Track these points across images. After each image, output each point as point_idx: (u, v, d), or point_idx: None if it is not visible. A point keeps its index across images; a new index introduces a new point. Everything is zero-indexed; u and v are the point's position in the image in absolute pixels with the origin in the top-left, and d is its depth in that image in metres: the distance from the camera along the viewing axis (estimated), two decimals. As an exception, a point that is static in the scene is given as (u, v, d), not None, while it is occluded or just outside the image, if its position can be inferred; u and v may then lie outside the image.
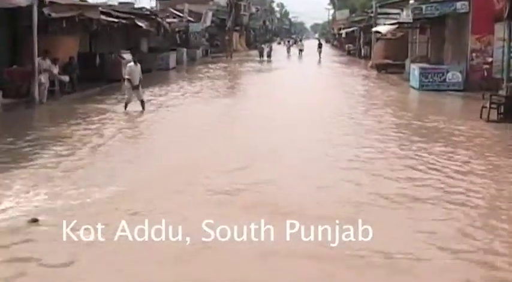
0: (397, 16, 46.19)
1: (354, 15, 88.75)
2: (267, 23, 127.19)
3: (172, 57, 43.59)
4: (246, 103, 25.17)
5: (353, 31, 72.04)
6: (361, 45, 65.20)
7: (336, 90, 30.32)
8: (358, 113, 21.85)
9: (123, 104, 21.03)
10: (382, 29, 38.05)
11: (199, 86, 31.30)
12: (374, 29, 42.39)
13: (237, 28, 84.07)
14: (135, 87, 20.79)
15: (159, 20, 41.01)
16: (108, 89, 27.94)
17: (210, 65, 48.22)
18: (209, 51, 61.92)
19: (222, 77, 37.84)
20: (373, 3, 57.49)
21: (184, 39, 55.01)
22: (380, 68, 42.98)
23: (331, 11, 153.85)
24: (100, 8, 29.44)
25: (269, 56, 59.15)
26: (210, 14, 63.67)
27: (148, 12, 41.79)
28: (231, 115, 21.62)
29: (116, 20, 31.64)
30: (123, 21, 32.98)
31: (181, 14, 54.16)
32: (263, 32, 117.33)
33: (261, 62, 56.21)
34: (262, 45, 62.84)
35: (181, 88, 30.14)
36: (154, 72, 38.39)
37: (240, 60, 57.40)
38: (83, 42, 31.48)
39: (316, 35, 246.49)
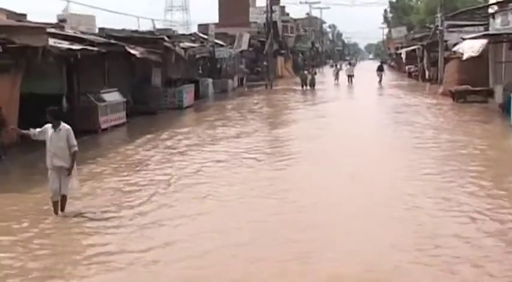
0: (474, 29, 36.32)
1: (412, 32, 79.20)
2: (317, 44, 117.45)
3: (189, 92, 34.19)
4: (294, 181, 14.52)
5: (414, 50, 61.91)
6: (425, 66, 55.04)
7: (408, 141, 20.33)
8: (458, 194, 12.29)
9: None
10: (468, 45, 27.62)
11: (215, 144, 20.51)
12: (456, 48, 31.34)
13: (282, 52, 74.64)
14: (59, 170, 11.40)
15: (168, 45, 31.83)
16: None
17: (241, 100, 38.57)
18: (244, 80, 52.32)
19: (252, 121, 27.71)
20: (439, 15, 47.72)
21: (210, 68, 45.84)
22: (457, 96, 32.99)
23: (386, 30, 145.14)
24: (52, 30, 20.68)
25: (312, 84, 48.75)
26: (246, 36, 54.36)
27: (151, 36, 32.81)
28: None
29: (89, 47, 22.62)
30: (105, 49, 23.99)
31: (205, 37, 44.91)
32: (313, 55, 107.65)
33: (304, 92, 46.35)
34: (305, 72, 52.20)
35: (188, 151, 18.80)
36: (160, 115, 29.33)
37: (281, 90, 47.69)
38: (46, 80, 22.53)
39: (371, 56, 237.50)
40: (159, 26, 44.32)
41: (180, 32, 49.26)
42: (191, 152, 18.53)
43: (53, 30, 23.95)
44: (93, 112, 22.91)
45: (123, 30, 34.81)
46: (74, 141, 11.31)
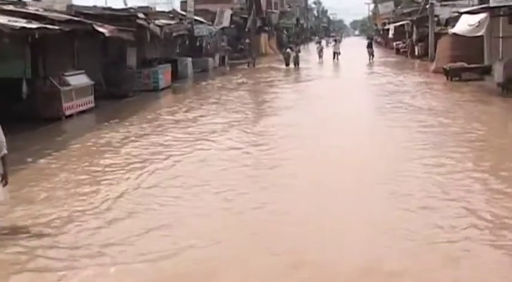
0: (470, 2, 34.26)
1: (399, 7, 77.15)
2: (302, 21, 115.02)
3: (165, 72, 31.94)
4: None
5: (402, 26, 59.79)
6: (414, 43, 52.92)
7: (412, 128, 17.95)
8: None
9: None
10: (467, 21, 25.17)
11: (183, 132, 18.20)
12: (455, 29, 28.76)
13: (266, 28, 72.25)
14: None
15: (141, 22, 29.55)
16: (22, 139, 16.33)
17: (221, 80, 36.21)
18: (226, 58, 49.93)
19: (232, 103, 25.23)
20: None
21: (189, 46, 43.50)
22: (452, 73, 30.95)
23: (372, 6, 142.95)
24: (10, 7, 18.51)
25: (296, 62, 45.43)
26: (227, 13, 52.00)
27: (126, 13, 30.49)
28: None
29: (49, 26, 20.33)
30: (67, 27, 21.68)
31: (185, 13, 42.52)
32: (298, 31, 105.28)
33: (288, 70, 43.59)
34: (288, 50, 48.98)
35: (150, 146, 15.82)
36: (133, 98, 27.18)
37: (264, 69, 45.22)
38: None
39: (357, 32, 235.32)
40: (141, 3, 41.83)
41: (165, 10, 46.61)
42: (153, 141, 16.44)
43: (11, 7, 21.77)
44: (56, 97, 20.66)
45: (94, 7, 32.49)
46: (3, 142, 8.94)
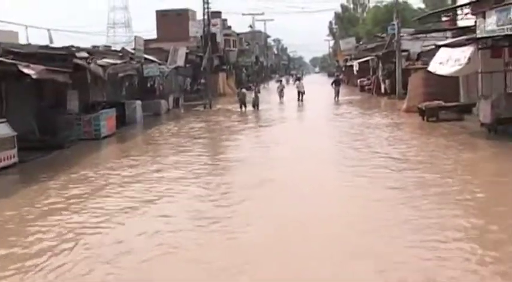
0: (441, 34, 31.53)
1: (361, 42, 75.16)
2: (262, 59, 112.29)
3: (108, 118, 28.32)
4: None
5: (367, 61, 57.19)
6: (380, 79, 50.15)
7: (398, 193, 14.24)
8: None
9: None
10: (449, 56, 21.50)
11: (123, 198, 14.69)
12: (436, 68, 23.86)
13: (224, 67, 69.13)
14: None
15: (79, 62, 26.09)
16: None
17: (173, 126, 32.48)
18: (181, 100, 46.52)
19: (180, 156, 21.38)
20: (395, 22, 43.05)
21: (139, 87, 39.93)
22: (428, 113, 27.93)
23: (331, 42, 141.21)
24: None
25: (255, 104, 40.81)
26: (182, 51, 48.74)
27: (63, 52, 26.98)
28: None
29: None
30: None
31: (132, 51, 39.07)
32: (258, 69, 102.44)
33: (243, 114, 38.81)
34: (243, 90, 43.88)
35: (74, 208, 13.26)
36: (68, 150, 23.52)
37: (221, 111, 41.40)
38: None
39: (317, 69, 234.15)
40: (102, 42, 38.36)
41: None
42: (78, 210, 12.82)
43: None
44: None
45: (29, 45, 29.03)
46: None
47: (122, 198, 14.14)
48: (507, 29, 15.88)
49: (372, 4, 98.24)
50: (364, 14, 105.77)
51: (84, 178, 16.99)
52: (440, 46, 23.81)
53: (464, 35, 24.51)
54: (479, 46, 19.49)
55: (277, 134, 27.46)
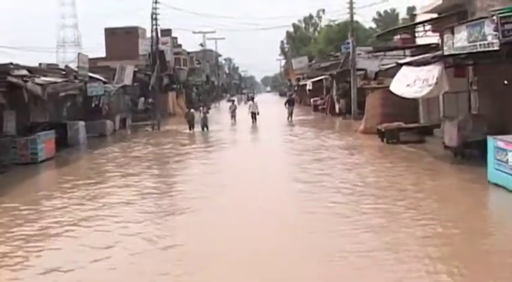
0: (403, 52, 30.32)
1: (313, 61, 74.28)
2: (213, 78, 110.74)
3: (47, 141, 26.22)
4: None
5: (320, 80, 55.97)
6: (335, 99, 48.87)
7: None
8: None
9: None
10: (416, 77, 19.74)
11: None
12: (401, 90, 21.72)
13: (174, 86, 67.08)
14: None
15: (13, 80, 24.09)
16: None
17: (117, 149, 30.24)
18: (128, 120, 44.55)
19: (118, 187, 19.25)
20: (350, 40, 41.97)
21: (83, 107, 37.75)
22: (388, 135, 26.58)
23: (283, 62, 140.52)
24: None
25: (204, 125, 38.67)
26: (129, 69, 46.80)
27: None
28: None
29: None
30: None
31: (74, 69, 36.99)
32: (209, 89, 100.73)
33: (192, 135, 36.77)
34: (192, 110, 42.32)
35: None
36: (4, 176, 21.47)
37: (170, 133, 39.34)
38: None
39: (268, 88, 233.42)
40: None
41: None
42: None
43: None
44: None
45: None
46: None
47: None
48: (480, 45, 14.45)
49: (323, 23, 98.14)
50: (316, 33, 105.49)
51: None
52: (402, 64, 22.37)
53: (425, 53, 23.20)
54: (447, 64, 17.98)
55: (225, 161, 25.31)
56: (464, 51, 15.85)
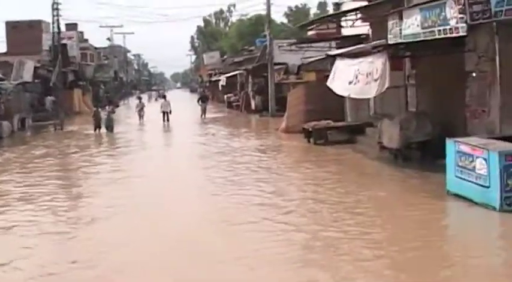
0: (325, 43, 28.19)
1: (225, 56, 72.10)
2: (121, 74, 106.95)
3: None
4: None
5: (234, 76, 53.51)
6: (250, 95, 46.51)
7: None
8: None
9: None
10: (358, 71, 17.14)
11: None
12: (339, 84, 19.78)
13: (80, 83, 63.34)
14: None
15: None
16: None
17: (13, 154, 26.82)
18: (28, 120, 40.91)
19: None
20: (267, 32, 39.72)
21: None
22: (316, 135, 24.27)
23: (193, 57, 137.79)
24: None
25: (109, 126, 35.01)
26: (29, 65, 43.15)
27: None
28: None
29: None
30: None
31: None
32: (117, 85, 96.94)
33: (98, 136, 33.40)
34: (100, 109, 38.40)
35: None
36: None
37: (74, 134, 35.75)
38: None
39: (178, 85, 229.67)
40: None
41: None
42: None
43: None
44: None
45: None
46: None
47: None
48: (439, 31, 12.16)
49: (234, 18, 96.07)
50: (227, 28, 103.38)
51: None
52: (333, 56, 19.97)
53: (355, 45, 20.96)
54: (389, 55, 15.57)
55: (128, 167, 21.63)
56: (417, 39, 13.50)
